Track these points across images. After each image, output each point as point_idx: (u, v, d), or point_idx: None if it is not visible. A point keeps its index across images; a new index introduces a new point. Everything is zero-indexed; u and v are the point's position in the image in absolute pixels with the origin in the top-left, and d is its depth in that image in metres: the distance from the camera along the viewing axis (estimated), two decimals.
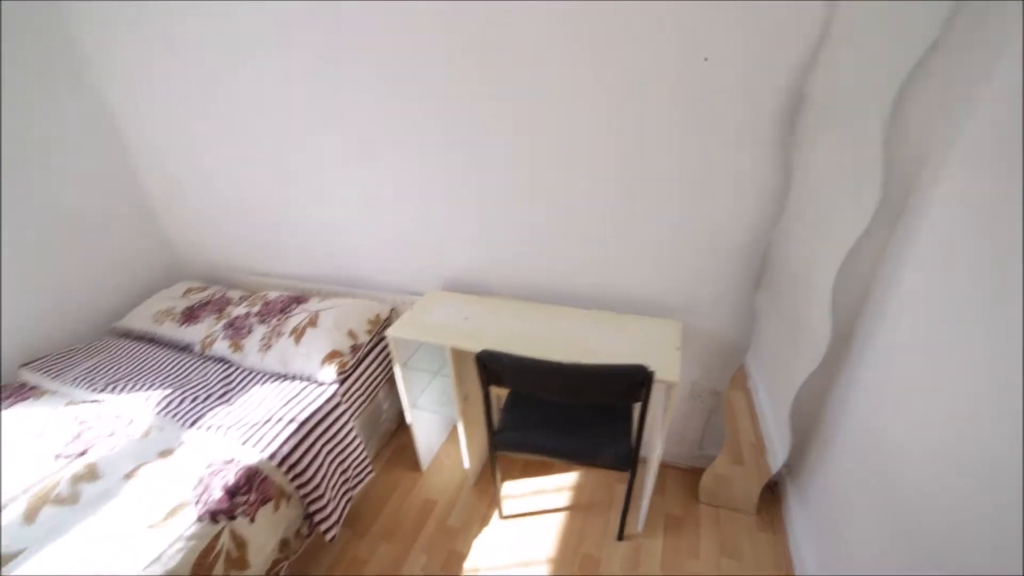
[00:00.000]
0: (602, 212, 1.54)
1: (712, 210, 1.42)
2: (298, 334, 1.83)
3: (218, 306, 2.15)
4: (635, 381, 1.23)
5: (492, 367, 1.34)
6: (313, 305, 1.98)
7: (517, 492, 1.96)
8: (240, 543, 1.37)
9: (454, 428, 2.22)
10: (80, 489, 1.41)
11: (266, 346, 1.84)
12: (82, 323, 2.20)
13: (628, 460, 1.44)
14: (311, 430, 1.61)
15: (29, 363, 1.97)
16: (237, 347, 1.88)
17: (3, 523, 1.31)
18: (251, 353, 1.86)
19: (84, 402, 1.74)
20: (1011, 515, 0.75)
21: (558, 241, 1.66)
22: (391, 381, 2.05)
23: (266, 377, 1.81)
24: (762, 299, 1.49)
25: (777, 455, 1.59)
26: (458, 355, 1.61)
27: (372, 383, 1.96)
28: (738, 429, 1.71)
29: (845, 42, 1.09)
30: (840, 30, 1.09)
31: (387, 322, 2.00)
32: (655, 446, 1.55)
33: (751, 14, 1.13)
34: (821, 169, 1.22)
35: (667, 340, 1.48)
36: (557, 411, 1.54)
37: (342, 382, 1.78)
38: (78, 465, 1.48)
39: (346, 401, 1.79)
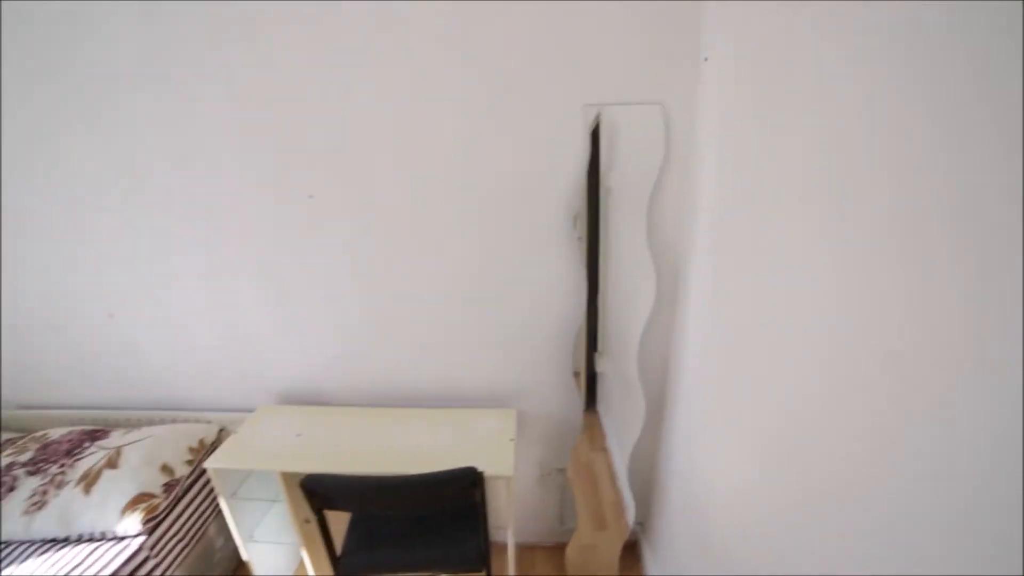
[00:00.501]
0: (424, 308, 1.60)
1: (525, 306, 1.56)
2: (89, 481, 1.52)
3: None
4: (467, 483, 1.23)
5: (319, 491, 1.24)
6: (115, 440, 1.67)
7: None
8: None
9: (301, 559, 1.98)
10: None
11: (37, 505, 1.49)
12: None
13: (480, 559, 1.41)
14: None
15: None
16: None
17: None
18: (9, 519, 1.47)
19: None
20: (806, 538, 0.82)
21: (382, 341, 1.67)
22: (221, 514, 1.79)
23: (34, 548, 1.45)
24: (603, 362, 1.63)
25: (631, 513, 1.69)
26: (291, 478, 1.47)
27: (198, 522, 1.68)
28: (599, 492, 1.79)
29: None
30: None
31: (214, 446, 1.77)
32: (508, 536, 1.54)
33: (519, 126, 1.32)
34: (623, 251, 1.44)
35: (502, 431, 1.53)
36: (402, 522, 1.47)
37: (151, 532, 1.50)
38: None
39: (158, 554, 1.50)
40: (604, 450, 1.78)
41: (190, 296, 1.66)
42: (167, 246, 1.59)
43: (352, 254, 1.54)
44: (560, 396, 1.69)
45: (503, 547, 1.55)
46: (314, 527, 1.64)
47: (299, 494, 1.52)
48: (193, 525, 1.67)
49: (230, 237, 1.55)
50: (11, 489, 1.53)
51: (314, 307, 1.64)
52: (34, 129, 1.45)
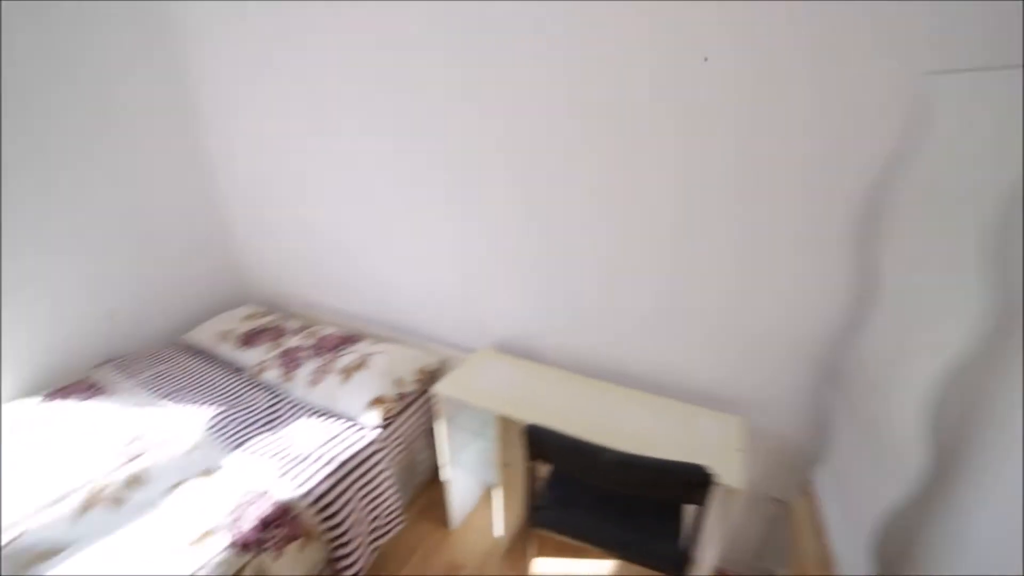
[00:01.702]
0: (655, 288, 1.52)
1: (779, 311, 1.36)
2: (347, 374, 1.85)
3: (275, 334, 2.23)
4: (693, 481, 1.14)
5: (539, 443, 1.28)
6: (365, 347, 2.00)
7: (548, 572, 1.84)
8: None
9: (488, 491, 2.13)
10: (128, 494, 1.45)
11: (315, 381, 1.86)
12: (151, 331, 2.34)
13: (678, 564, 1.32)
14: (348, 473, 1.59)
15: (101, 364, 2.10)
16: (288, 377, 1.92)
17: (53, 518, 1.36)
18: (300, 385, 1.88)
19: (146, 406, 1.82)
20: None
21: (611, 316, 1.63)
22: (430, 433, 2.02)
23: (311, 411, 1.82)
24: (836, 400, 1.37)
25: None
26: (504, 422, 1.57)
27: (413, 433, 1.93)
28: (800, 541, 1.53)
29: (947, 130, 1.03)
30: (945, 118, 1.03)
31: (434, 374, 1.99)
32: (707, 552, 1.41)
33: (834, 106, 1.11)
34: (916, 270, 1.14)
35: (728, 438, 1.38)
36: (603, 496, 1.45)
37: (384, 427, 1.77)
38: (132, 468, 1.53)
39: (385, 448, 1.77)
40: (808, 496, 1.50)
41: (439, 240, 1.87)
42: (431, 197, 1.81)
43: (604, 223, 1.53)
44: (797, 418, 1.46)
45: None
46: (512, 471, 1.76)
47: (509, 438, 1.63)
48: (410, 435, 1.92)
49: (486, 194, 1.69)
50: (300, 364, 1.95)
51: (550, 269, 1.69)
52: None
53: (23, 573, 1.23)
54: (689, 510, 1.32)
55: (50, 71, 1.84)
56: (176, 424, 1.74)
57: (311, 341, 2.07)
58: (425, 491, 2.17)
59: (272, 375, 1.96)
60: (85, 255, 2.05)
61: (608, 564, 1.87)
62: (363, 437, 1.70)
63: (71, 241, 2.00)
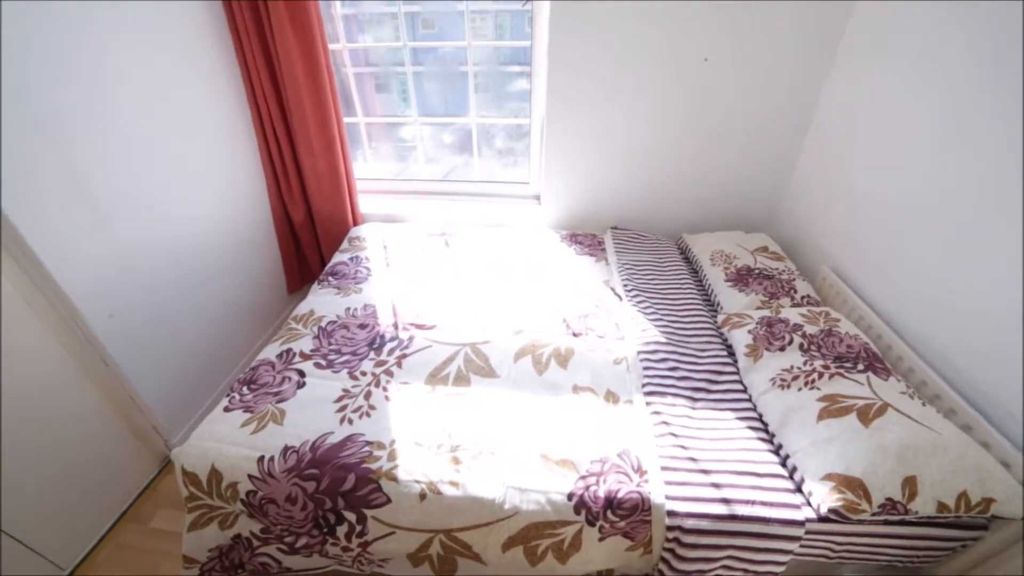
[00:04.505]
0: None
1: None
2: (837, 412, 1.15)
3: (773, 288, 1.67)
4: None
5: None
6: (890, 391, 1.18)
7: None
8: (575, 544, 1.10)
9: None
10: (551, 365, 1.44)
11: (783, 385, 1.26)
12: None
13: None
14: (740, 534, 1.05)
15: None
16: (754, 353, 1.40)
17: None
18: (758, 376, 1.33)
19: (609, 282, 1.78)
20: None
21: None
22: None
23: (749, 414, 1.29)
24: None
25: None
26: None
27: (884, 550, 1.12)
28: None
29: None
30: None
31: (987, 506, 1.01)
32: None
33: None
34: None
35: None
36: None
37: (830, 520, 1.06)
38: (569, 341, 1.52)
39: (810, 547, 1.08)
40: None
41: None
42: None
43: None
44: None
45: None
46: None
47: None
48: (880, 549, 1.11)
49: None
50: (778, 349, 1.37)
51: None
52: None
53: None
54: None
55: None
56: (627, 324, 1.61)
57: (815, 328, 1.41)
58: None
59: (738, 337, 1.48)
60: None
61: None
62: (793, 510, 1.06)
63: None
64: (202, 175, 1.82)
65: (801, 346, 1.35)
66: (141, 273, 1.58)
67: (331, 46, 2.01)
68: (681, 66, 1.84)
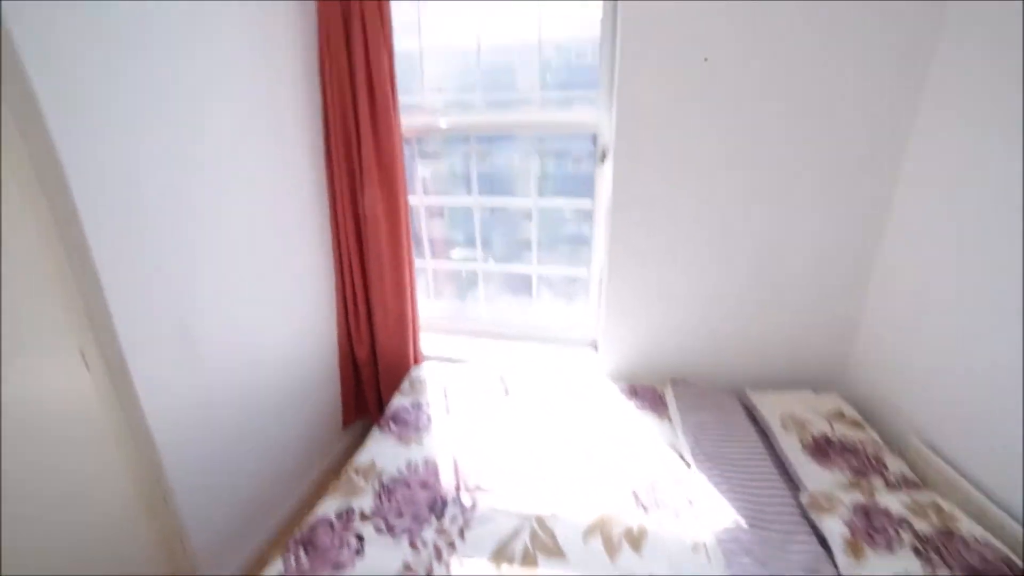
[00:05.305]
0: None
1: None
2: None
3: (861, 467, 1.54)
4: None
5: None
6: None
7: None
8: None
9: None
10: (624, 548, 1.34)
11: None
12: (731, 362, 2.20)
13: None
14: None
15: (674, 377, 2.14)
16: (855, 550, 1.25)
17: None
18: None
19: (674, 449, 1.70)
20: None
21: None
22: None
23: None
24: None
25: None
26: None
27: None
28: None
29: None
30: None
31: None
32: None
33: None
34: None
35: None
36: None
37: None
38: (640, 518, 1.43)
39: None
40: None
41: None
42: None
43: None
44: None
45: None
46: None
47: None
48: None
49: None
50: (882, 545, 1.23)
51: None
52: None
53: None
54: None
55: None
56: (695, 487, 1.50)
57: (927, 525, 1.26)
58: None
59: (831, 527, 1.34)
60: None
61: None
62: None
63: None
64: (281, 313, 1.96)
65: (916, 550, 1.20)
66: (214, 409, 1.63)
67: (410, 199, 2.27)
68: (748, 217, 1.93)
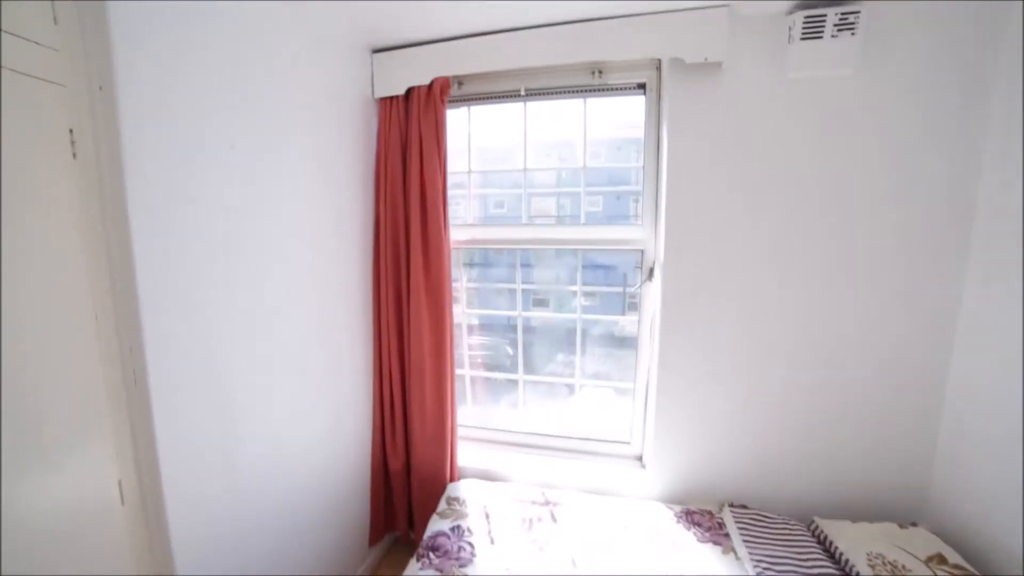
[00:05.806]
0: None
1: None
2: None
3: None
4: None
5: None
6: None
7: None
8: None
9: None
10: None
11: None
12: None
13: None
14: None
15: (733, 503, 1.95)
16: None
17: None
18: None
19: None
20: None
21: None
22: None
23: None
24: None
25: None
26: None
27: None
28: None
29: None
30: None
31: None
32: None
33: None
34: None
35: None
36: None
37: None
38: None
39: None
40: None
41: None
42: None
43: None
44: None
45: None
46: None
47: None
48: None
49: None
50: None
51: None
52: None
53: None
54: None
55: None
56: None
57: None
58: None
59: None
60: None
61: None
62: None
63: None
64: (320, 425, 1.91)
65: None
66: (241, 528, 1.53)
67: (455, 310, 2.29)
68: (807, 330, 1.88)
